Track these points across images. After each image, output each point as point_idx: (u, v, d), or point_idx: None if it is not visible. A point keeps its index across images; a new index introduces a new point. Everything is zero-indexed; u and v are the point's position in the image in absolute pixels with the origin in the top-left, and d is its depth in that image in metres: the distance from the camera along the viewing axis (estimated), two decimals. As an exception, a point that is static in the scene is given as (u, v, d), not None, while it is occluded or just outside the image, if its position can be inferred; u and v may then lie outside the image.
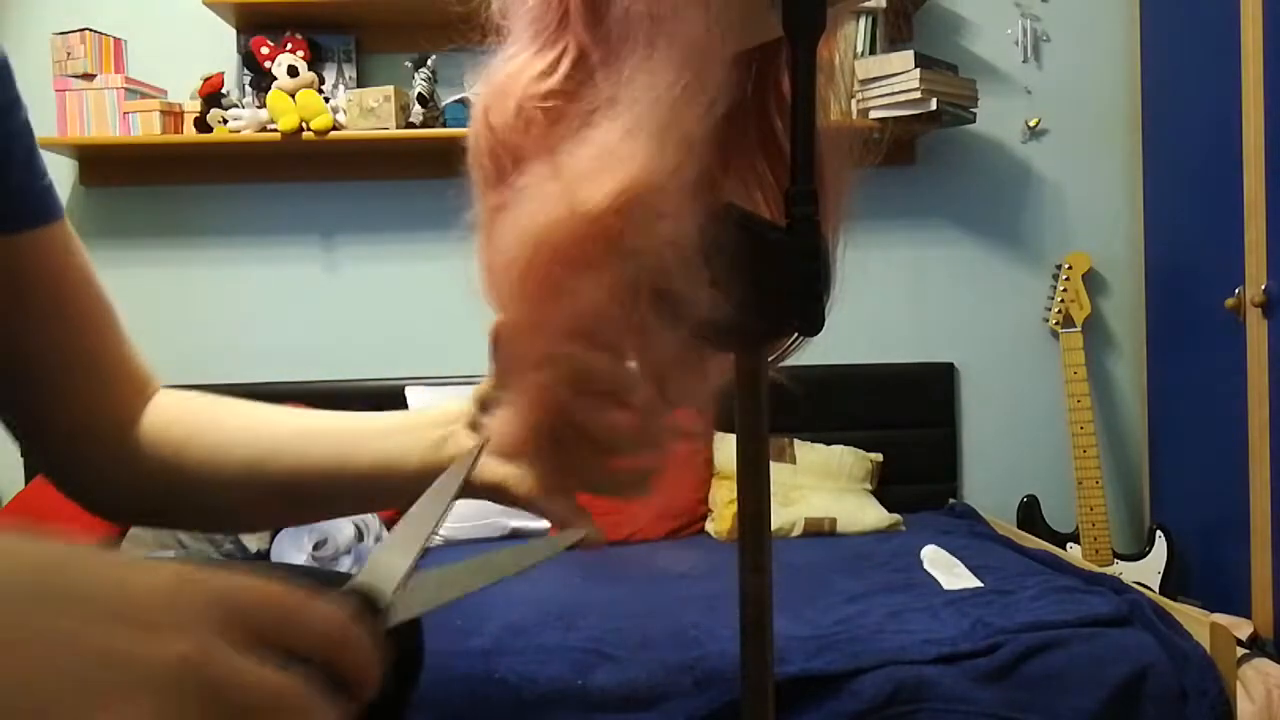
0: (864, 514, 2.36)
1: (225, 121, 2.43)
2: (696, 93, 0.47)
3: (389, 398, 2.49)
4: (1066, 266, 2.57)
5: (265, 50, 2.41)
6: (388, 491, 0.64)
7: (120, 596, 0.29)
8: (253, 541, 1.98)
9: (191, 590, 0.30)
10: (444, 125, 2.43)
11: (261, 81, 2.45)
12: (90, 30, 2.43)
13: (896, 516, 2.37)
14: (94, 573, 0.29)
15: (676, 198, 0.48)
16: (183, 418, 0.69)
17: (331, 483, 0.64)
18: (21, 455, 1.91)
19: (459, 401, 0.62)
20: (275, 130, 2.38)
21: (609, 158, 0.47)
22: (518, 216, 0.48)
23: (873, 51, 2.44)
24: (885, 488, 2.54)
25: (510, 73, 0.52)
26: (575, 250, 0.47)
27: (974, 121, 2.48)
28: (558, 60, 0.51)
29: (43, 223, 0.65)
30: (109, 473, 0.67)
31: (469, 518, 2.29)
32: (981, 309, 2.70)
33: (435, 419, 0.63)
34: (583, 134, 0.48)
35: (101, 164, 2.57)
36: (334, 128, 2.40)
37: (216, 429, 0.68)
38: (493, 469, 0.58)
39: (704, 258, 0.50)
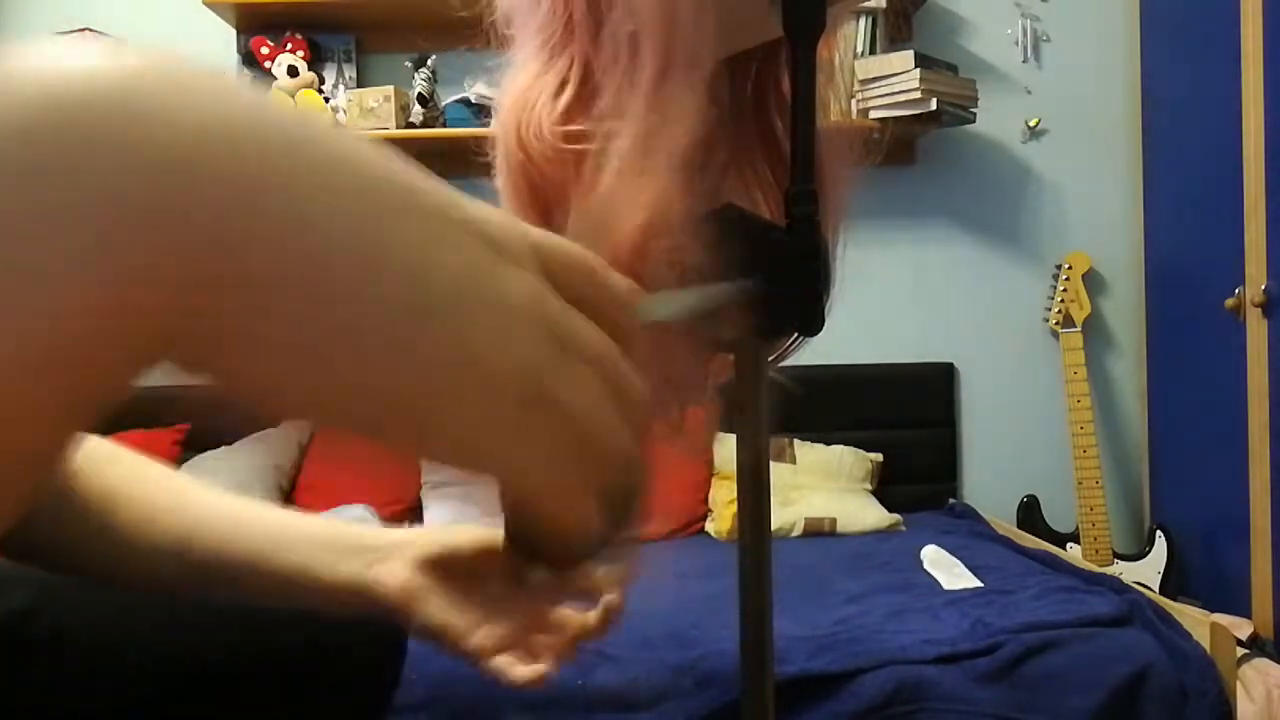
0: (864, 514, 2.36)
1: (225, 121, 2.43)
2: (680, 113, 0.48)
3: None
4: (1066, 266, 2.57)
5: (265, 50, 2.41)
6: (308, 597, 0.61)
7: (477, 216, 0.29)
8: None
9: (523, 230, 0.30)
10: (444, 125, 2.43)
11: (261, 81, 2.45)
12: (90, 30, 2.43)
13: (896, 516, 2.37)
14: (447, 194, 0.29)
15: (683, 221, 0.48)
16: (112, 479, 0.65)
17: (250, 575, 0.62)
18: None
19: (399, 532, 0.61)
20: (275, 130, 2.38)
21: (618, 202, 0.47)
22: None
23: (873, 51, 2.44)
24: (885, 488, 2.54)
25: (524, 85, 0.53)
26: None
27: (974, 121, 2.48)
28: (567, 73, 0.51)
29: None
30: (41, 511, 0.63)
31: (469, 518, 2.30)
32: (981, 309, 2.70)
33: (369, 541, 0.61)
34: (596, 168, 0.49)
35: (101, 164, 2.57)
36: (334, 128, 2.40)
37: (141, 499, 0.65)
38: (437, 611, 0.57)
39: (703, 258, 0.51)
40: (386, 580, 0.57)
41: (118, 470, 0.66)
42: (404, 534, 0.60)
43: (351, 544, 0.60)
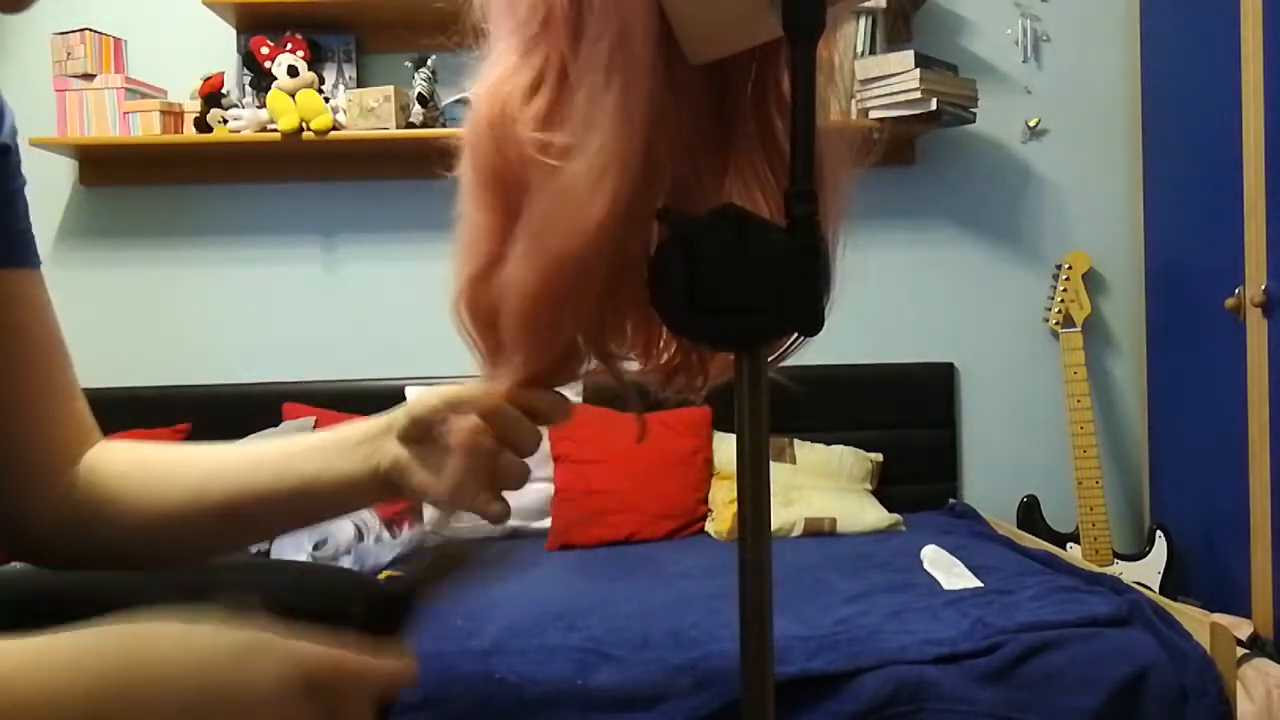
0: (864, 514, 2.36)
1: (225, 121, 2.43)
2: (642, 127, 0.50)
3: (389, 398, 2.49)
4: (1066, 266, 2.57)
5: (265, 50, 2.41)
6: (322, 506, 0.68)
7: (211, 683, 0.43)
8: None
9: (264, 662, 0.43)
10: (444, 125, 2.43)
11: (261, 81, 2.45)
12: (90, 30, 2.43)
13: (896, 516, 2.37)
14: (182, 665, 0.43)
15: (633, 223, 0.52)
16: (122, 462, 0.70)
17: (267, 504, 0.67)
18: None
19: (386, 416, 0.67)
20: (275, 130, 2.38)
21: (566, 203, 0.50)
22: (505, 272, 0.54)
23: (873, 51, 2.44)
24: (885, 488, 2.54)
25: (497, 80, 0.53)
26: (552, 296, 0.53)
27: (974, 121, 2.48)
28: (543, 71, 0.52)
29: (13, 265, 0.66)
30: (39, 515, 0.68)
31: (469, 517, 2.29)
32: (981, 309, 2.70)
33: (363, 434, 0.67)
34: (555, 169, 0.51)
35: (101, 164, 2.57)
36: (334, 128, 2.40)
37: (157, 467, 0.70)
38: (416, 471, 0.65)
39: (702, 260, 0.51)
40: (385, 463, 0.65)
41: (124, 461, 0.70)
42: (391, 416, 0.66)
43: (354, 440, 0.67)
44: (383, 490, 0.66)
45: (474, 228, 0.56)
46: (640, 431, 0.64)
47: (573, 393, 0.63)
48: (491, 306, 0.55)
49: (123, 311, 2.61)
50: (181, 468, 0.69)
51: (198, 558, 0.71)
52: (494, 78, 0.54)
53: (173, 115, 2.46)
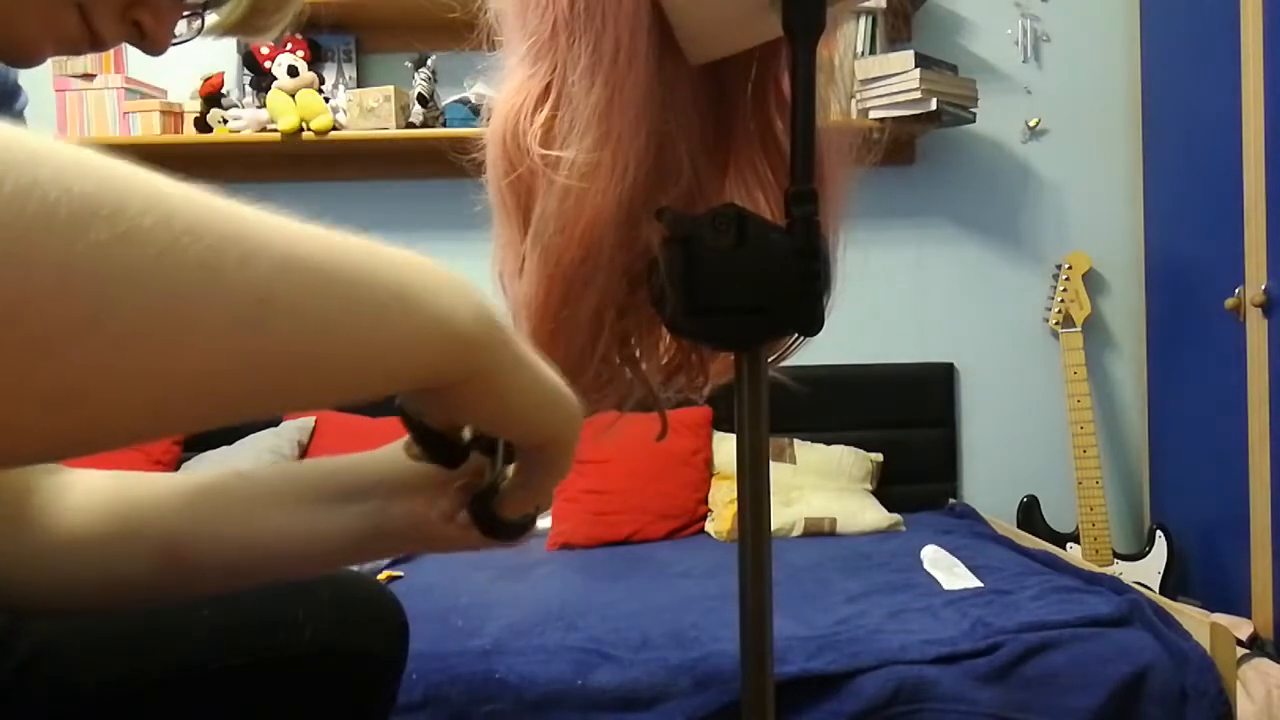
0: (864, 514, 2.36)
1: (225, 121, 2.43)
2: (632, 128, 0.51)
3: (388, 397, 2.49)
4: (1066, 266, 2.57)
5: (265, 50, 2.41)
6: (292, 568, 0.54)
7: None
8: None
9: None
10: (444, 125, 2.43)
11: (261, 81, 2.45)
12: (90, 30, 2.43)
13: (896, 516, 2.37)
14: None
15: (631, 224, 0.52)
16: (48, 485, 0.57)
17: (223, 550, 0.53)
18: None
19: (379, 465, 0.54)
20: (275, 130, 2.38)
21: (559, 208, 0.51)
22: (515, 288, 0.54)
23: (873, 51, 2.44)
24: (885, 488, 2.54)
25: (510, 92, 0.54)
26: (550, 305, 0.52)
27: (974, 121, 2.48)
28: (550, 80, 0.52)
29: None
30: None
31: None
32: (981, 309, 2.70)
33: (367, 480, 0.54)
34: (553, 175, 0.51)
35: (101, 164, 2.57)
36: (334, 128, 2.40)
37: (82, 488, 0.56)
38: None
39: (702, 260, 0.51)
40: (428, 517, 0.52)
41: (70, 488, 0.57)
42: (391, 466, 0.53)
43: (347, 489, 0.54)
44: (377, 552, 0.54)
45: (500, 241, 0.56)
46: (662, 429, 0.60)
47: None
48: None
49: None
50: (120, 493, 0.55)
51: (117, 606, 0.56)
52: (508, 88, 0.54)
53: (173, 115, 2.46)
